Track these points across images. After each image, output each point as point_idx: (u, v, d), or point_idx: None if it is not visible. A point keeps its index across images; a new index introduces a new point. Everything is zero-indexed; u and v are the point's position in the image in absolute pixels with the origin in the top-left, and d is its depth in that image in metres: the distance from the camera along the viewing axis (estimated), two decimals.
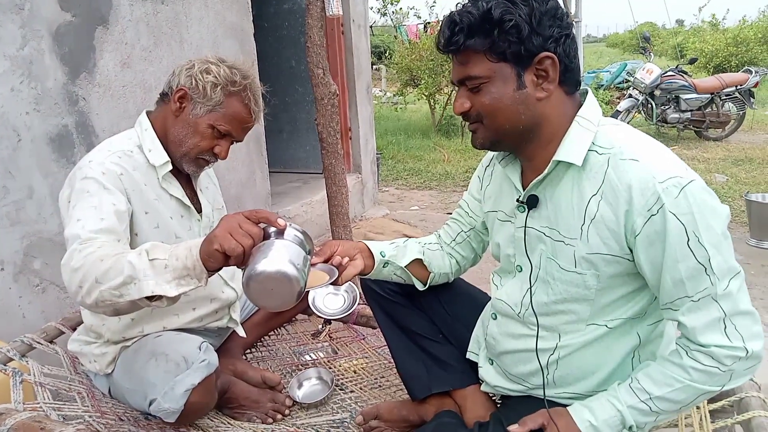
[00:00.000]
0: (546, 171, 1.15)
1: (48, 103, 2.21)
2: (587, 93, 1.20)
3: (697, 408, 1.40)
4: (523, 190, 1.23)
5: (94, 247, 1.23)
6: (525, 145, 1.18)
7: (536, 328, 1.24)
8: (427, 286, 1.53)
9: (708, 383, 1.09)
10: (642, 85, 7.48)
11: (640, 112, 7.74)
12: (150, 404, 1.44)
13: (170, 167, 1.57)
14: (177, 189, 1.60)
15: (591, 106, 1.16)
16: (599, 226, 1.10)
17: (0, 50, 2.03)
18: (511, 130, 1.15)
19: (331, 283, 1.29)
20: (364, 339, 2.10)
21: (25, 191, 2.14)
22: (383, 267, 1.47)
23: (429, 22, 10.51)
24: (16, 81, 2.09)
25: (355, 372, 1.93)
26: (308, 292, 1.26)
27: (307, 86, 4.62)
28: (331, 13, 2.90)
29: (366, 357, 2.00)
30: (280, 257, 1.10)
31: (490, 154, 1.42)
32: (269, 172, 3.72)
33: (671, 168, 1.05)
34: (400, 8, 11.44)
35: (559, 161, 1.13)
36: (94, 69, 2.38)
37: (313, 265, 1.24)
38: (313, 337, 2.13)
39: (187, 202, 1.62)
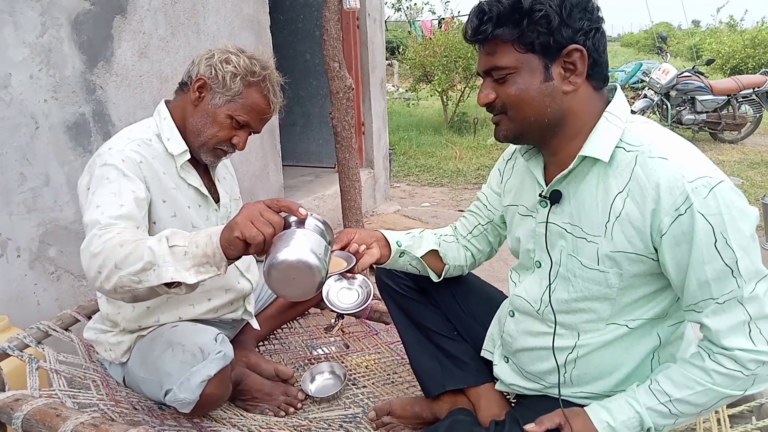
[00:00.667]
0: (571, 166, 1.14)
1: (66, 91, 2.21)
2: (616, 89, 1.18)
3: (716, 412, 1.38)
4: (546, 184, 1.22)
5: (113, 232, 1.22)
6: (549, 138, 1.17)
7: (554, 326, 1.23)
8: (441, 278, 1.52)
9: (730, 387, 1.07)
10: (657, 86, 7.41)
11: (654, 113, 7.67)
12: (165, 394, 1.43)
13: (188, 156, 1.57)
14: (195, 178, 1.60)
15: (619, 102, 1.14)
16: (624, 223, 1.09)
17: (20, 37, 2.04)
18: (536, 122, 1.13)
19: (347, 272, 1.30)
20: (376, 334, 2.09)
21: (41, 179, 2.15)
22: (399, 257, 1.46)
23: (443, 18, 10.45)
24: (35, 68, 2.10)
25: (367, 367, 1.92)
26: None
27: (321, 80, 4.62)
28: (348, 6, 2.89)
29: (379, 352, 2.00)
30: (301, 246, 1.09)
31: (513, 147, 1.40)
32: (282, 165, 3.71)
33: (701, 168, 1.03)
34: (415, 3, 11.40)
35: (585, 156, 1.12)
36: (112, 58, 2.38)
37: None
38: (325, 331, 2.13)
39: (205, 191, 1.62)
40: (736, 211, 1.01)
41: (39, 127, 2.12)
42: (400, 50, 12.17)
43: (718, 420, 1.37)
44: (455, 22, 10.25)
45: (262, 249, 1.12)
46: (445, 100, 9.17)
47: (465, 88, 9.08)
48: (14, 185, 2.06)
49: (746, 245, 1.02)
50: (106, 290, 1.20)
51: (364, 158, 4.92)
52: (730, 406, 1.38)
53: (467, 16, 1.14)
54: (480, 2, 1.10)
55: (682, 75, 7.52)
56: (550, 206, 1.20)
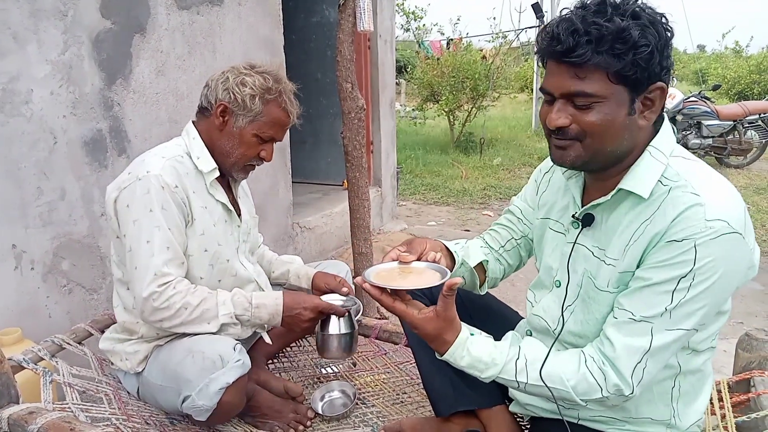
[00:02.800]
0: (609, 197, 1.14)
1: (84, 107, 2.25)
2: (663, 120, 1.16)
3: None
4: (581, 205, 1.22)
5: (173, 289, 1.48)
6: (609, 168, 1.15)
7: (552, 343, 1.23)
8: (487, 289, 1.53)
9: (580, 394, 1.13)
10: (664, 110, 7.45)
11: None
12: (183, 401, 1.46)
13: (218, 174, 1.63)
14: (222, 194, 1.66)
15: (665, 135, 1.14)
16: (637, 246, 1.10)
17: (42, 55, 2.08)
18: (610, 154, 1.11)
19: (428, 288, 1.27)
20: (386, 354, 2.09)
21: (58, 193, 2.18)
22: (459, 267, 1.44)
23: (452, 39, 10.56)
24: (55, 85, 2.14)
25: (376, 386, 1.93)
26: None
27: (331, 99, 4.67)
28: (362, 28, 2.93)
29: (388, 372, 2.00)
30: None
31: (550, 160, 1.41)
32: (291, 182, 3.74)
33: (727, 212, 1.03)
34: (423, 24, 11.52)
35: (624, 189, 1.12)
36: (130, 75, 2.43)
37: (406, 262, 1.26)
38: None
39: (230, 207, 1.68)
40: (730, 265, 1.03)
41: (57, 142, 2.16)
42: (408, 69, 12.27)
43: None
44: (463, 43, 10.35)
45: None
46: (451, 119, 9.23)
47: (472, 108, 9.14)
48: (31, 199, 2.09)
49: (709, 297, 1.04)
50: (160, 329, 1.53)
51: (372, 177, 4.95)
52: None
53: (547, 29, 1.07)
54: (570, 18, 1.04)
55: (689, 100, 7.57)
56: (582, 228, 1.21)
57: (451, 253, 1.43)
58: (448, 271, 1.20)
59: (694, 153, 7.59)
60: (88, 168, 2.28)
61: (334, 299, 1.68)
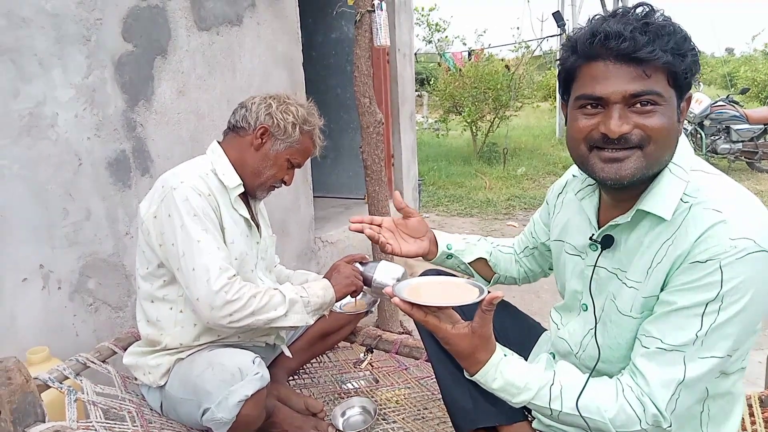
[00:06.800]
0: (629, 216, 1.09)
1: (108, 129, 2.30)
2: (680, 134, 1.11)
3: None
4: (598, 226, 1.18)
5: (239, 282, 1.53)
6: (636, 185, 1.07)
7: (590, 372, 1.19)
8: (490, 285, 1.55)
9: (618, 427, 1.05)
10: (691, 115, 7.33)
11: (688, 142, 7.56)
12: (203, 414, 1.48)
13: (242, 190, 1.69)
14: (244, 210, 1.71)
15: (684, 150, 1.08)
16: (660, 269, 1.05)
17: (67, 79, 2.14)
18: (664, 163, 1.05)
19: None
20: (406, 369, 2.08)
21: (83, 213, 2.23)
22: (447, 258, 1.52)
23: (473, 50, 10.56)
24: (79, 108, 2.20)
25: (397, 402, 1.91)
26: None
27: (352, 113, 4.69)
28: (378, 43, 2.96)
29: (409, 387, 1.99)
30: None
31: (564, 179, 1.38)
32: (312, 196, 3.77)
33: (751, 229, 0.96)
34: (446, 36, 11.54)
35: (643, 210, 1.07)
36: (152, 97, 2.48)
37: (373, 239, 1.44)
38: (354, 366, 2.13)
39: (252, 223, 1.74)
40: (760, 286, 0.96)
41: (82, 164, 2.21)
42: (430, 82, 12.30)
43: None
44: (485, 54, 10.34)
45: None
46: (474, 130, 9.21)
47: (494, 118, 9.11)
48: (57, 219, 2.14)
49: (741, 322, 0.98)
50: (226, 326, 1.50)
51: (393, 189, 4.95)
52: None
53: (594, 29, 1.00)
54: (616, 17, 1.00)
55: (716, 104, 7.43)
56: (601, 250, 1.17)
57: (437, 242, 1.49)
58: (485, 287, 1.12)
59: (723, 158, 7.49)
60: (112, 188, 2.33)
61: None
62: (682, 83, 1.00)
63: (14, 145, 2.00)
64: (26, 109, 2.02)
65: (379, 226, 1.48)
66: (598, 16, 1.05)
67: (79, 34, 2.17)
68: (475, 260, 1.52)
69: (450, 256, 1.51)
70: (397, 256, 1.46)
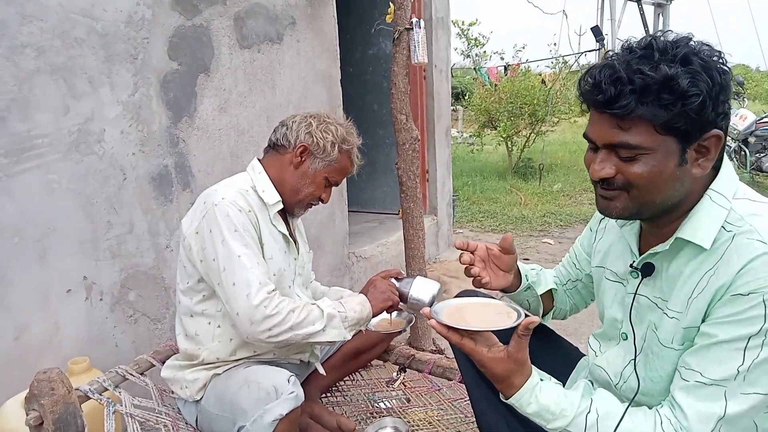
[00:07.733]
0: (668, 246, 1.07)
1: (152, 144, 2.37)
2: (722, 159, 1.07)
3: None
4: (639, 254, 1.16)
5: (278, 297, 1.54)
6: (661, 217, 1.09)
7: (629, 403, 1.16)
8: (551, 318, 1.52)
9: None
10: (735, 132, 7.13)
11: (732, 160, 7.35)
12: (238, 431, 1.48)
13: (281, 206, 1.72)
14: (283, 226, 1.74)
15: (726, 176, 1.06)
16: (701, 299, 1.03)
17: (114, 96, 2.22)
18: (661, 204, 1.04)
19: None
20: (439, 390, 2.06)
21: (126, 226, 2.29)
22: (525, 290, 1.46)
23: (509, 65, 10.50)
24: (125, 124, 2.26)
25: (430, 423, 1.90)
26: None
27: (388, 129, 4.72)
28: (416, 60, 2.97)
29: (441, 409, 1.97)
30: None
31: None
32: (347, 211, 3.79)
33: None
34: (484, 51, 11.51)
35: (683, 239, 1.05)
36: (195, 113, 2.54)
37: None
38: (387, 385, 2.12)
39: (290, 239, 1.77)
40: None
41: (126, 178, 2.28)
42: (465, 96, 12.27)
43: None
44: (521, 69, 10.28)
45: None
46: (509, 145, 9.14)
47: (530, 133, 9.03)
48: (102, 233, 2.20)
49: None
50: (265, 340, 1.52)
51: (428, 205, 4.95)
52: None
53: (588, 75, 1.03)
54: (612, 64, 0.99)
55: (762, 121, 7.21)
56: (642, 278, 1.15)
57: (521, 274, 1.42)
58: (522, 311, 1.14)
59: None
60: (154, 202, 2.39)
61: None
62: (679, 130, 0.96)
63: (64, 160, 2.07)
64: (75, 125, 2.09)
65: (473, 253, 1.37)
66: (610, 53, 1.05)
67: (126, 53, 2.24)
68: (545, 292, 1.47)
69: (528, 287, 1.44)
70: (489, 289, 1.41)
